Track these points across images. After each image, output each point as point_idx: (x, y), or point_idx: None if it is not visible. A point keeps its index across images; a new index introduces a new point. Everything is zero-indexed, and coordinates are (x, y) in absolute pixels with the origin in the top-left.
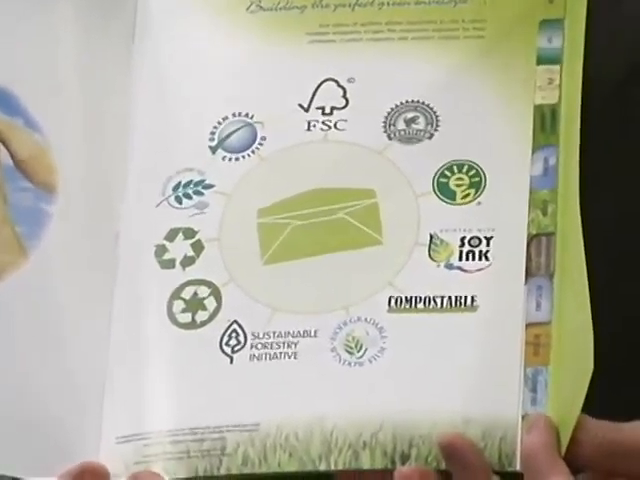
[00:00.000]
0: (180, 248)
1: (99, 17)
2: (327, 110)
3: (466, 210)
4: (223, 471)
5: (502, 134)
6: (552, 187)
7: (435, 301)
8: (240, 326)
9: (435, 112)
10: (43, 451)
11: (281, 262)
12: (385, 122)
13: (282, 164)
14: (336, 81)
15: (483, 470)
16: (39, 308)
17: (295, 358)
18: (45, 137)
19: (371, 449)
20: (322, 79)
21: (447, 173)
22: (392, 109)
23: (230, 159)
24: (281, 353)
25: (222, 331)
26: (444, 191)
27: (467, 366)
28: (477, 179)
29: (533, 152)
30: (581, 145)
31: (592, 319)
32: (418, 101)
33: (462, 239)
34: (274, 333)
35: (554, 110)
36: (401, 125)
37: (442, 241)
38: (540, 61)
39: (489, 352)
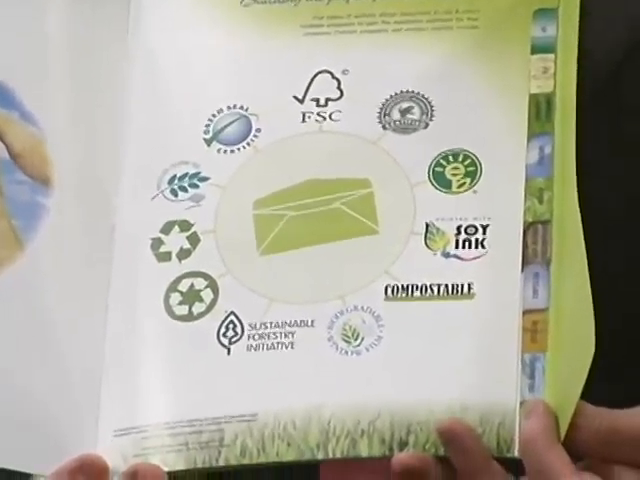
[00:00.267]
0: (176, 241)
1: (92, 10)
2: (322, 102)
3: (462, 199)
4: (222, 462)
5: (497, 123)
6: (548, 175)
7: (432, 289)
8: (237, 317)
9: (430, 102)
10: (40, 445)
11: (277, 253)
12: (380, 112)
13: (277, 155)
14: (331, 73)
15: (482, 455)
16: (35, 301)
17: (292, 348)
18: (41, 130)
19: (369, 437)
20: (316, 71)
21: (443, 162)
22: (387, 100)
23: (225, 151)
24: (278, 343)
25: (219, 322)
26: (440, 180)
27: (464, 353)
28: (473, 168)
29: (528, 141)
30: (577, 133)
31: (594, 308)
32: (413, 91)
33: (458, 228)
34: (271, 323)
35: (549, 99)
36: (396, 115)
37: (438, 230)
38: (534, 50)
39: (486, 339)
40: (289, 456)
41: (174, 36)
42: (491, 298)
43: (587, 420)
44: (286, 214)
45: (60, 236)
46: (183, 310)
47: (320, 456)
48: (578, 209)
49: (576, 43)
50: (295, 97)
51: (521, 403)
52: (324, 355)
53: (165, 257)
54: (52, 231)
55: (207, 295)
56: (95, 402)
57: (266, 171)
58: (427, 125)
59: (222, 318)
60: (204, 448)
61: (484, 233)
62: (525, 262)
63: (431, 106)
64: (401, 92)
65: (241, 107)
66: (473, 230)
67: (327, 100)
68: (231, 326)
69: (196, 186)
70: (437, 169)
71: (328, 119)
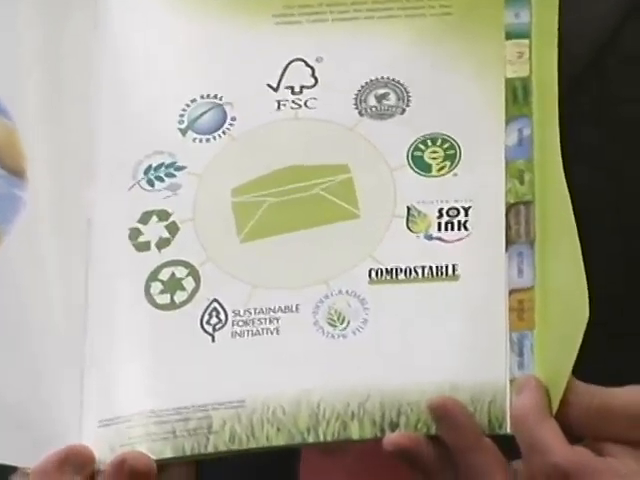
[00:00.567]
0: (154, 230)
1: (60, 5)
2: (296, 89)
3: (442, 182)
4: (211, 449)
5: (474, 107)
6: (528, 157)
7: (416, 271)
8: (220, 304)
9: (406, 88)
10: (24, 438)
11: (258, 239)
12: (356, 99)
13: (254, 143)
14: (304, 61)
15: (474, 431)
16: (11, 294)
17: (277, 334)
18: (13, 123)
19: (359, 419)
20: (290, 59)
21: (421, 146)
22: (362, 86)
23: (201, 140)
24: (263, 329)
25: (202, 310)
26: (419, 164)
27: (452, 333)
28: (452, 151)
29: (507, 124)
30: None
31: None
32: (388, 77)
33: (440, 210)
34: (255, 310)
35: (525, 83)
36: (372, 101)
37: (420, 212)
38: (509, 36)
39: (473, 319)
40: (279, 440)
41: (144, 28)
42: (476, 279)
43: (578, 397)
44: (265, 201)
45: (36, 229)
46: (165, 299)
47: (311, 439)
48: (565, 189)
49: (553, 28)
50: (269, 85)
51: (511, 381)
52: (310, 339)
53: (144, 247)
54: (28, 224)
55: (189, 283)
56: (78, 394)
57: (243, 159)
58: (404, 111)
59: (205, 306)
60: (192, 435)
61: (466, 215)
62: (509, 242)
63: (407, 92)
64: (376, 79)
65: (215, 96)
66: (455, 212)
67: (302, 88)
68: (214, 313)
69: (172, 175)
70: (416, 153)
71: (304, 106)
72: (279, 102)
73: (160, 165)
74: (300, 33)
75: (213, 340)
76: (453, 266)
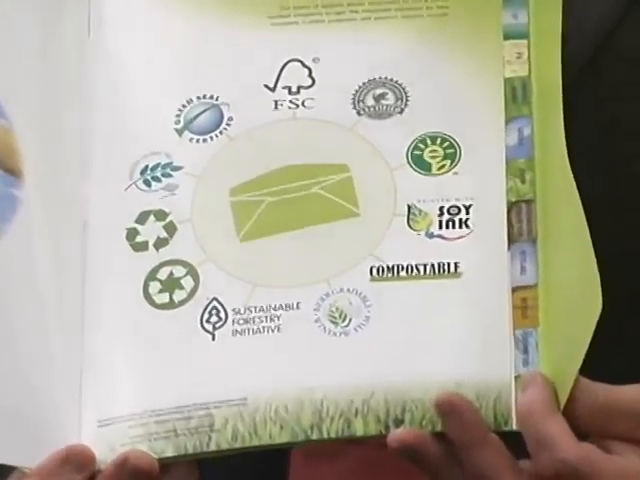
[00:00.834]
0: (152, 230)
1: (54, 5)
2: (294, 89)
3: (443, 180)
4: (213, 447)
5: (473, 106)
6: (529, 156)
7: (418, 269)
8: (220, 303)
9: (404, 88)
10: (23, 438)
11: (258, 238)
12: (354, 99)
13: (252, 143)
14: (301, 61)
15: (480, 427)
16: (8, 293)
17: (279, 331)
18: (9, 123)
19: (363, 416)
20: (286, 59)
21: (421, 146)
22: (360, 86)
23: (198, 140)
24: (264, 327)
25: (202, 309)
26: (419, 163)
27: (455, 330)
28: (452, 150)
29: (507, 123)
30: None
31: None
32: (386, 77)
33: (441, 208)
34: (255, 308)
35: (525, 82)
36: (370, 101)
37: (420, 211)
38: (507, 36)
39: (477, 316)
40: (282, 438)
41: (139, 29)
42: (478, 276)
43: (583, 394)
44: (265, 200)
45: (32, 228)
46: (164, 298)
47: (314, 437)
48: (571, 186)
49: (555, 28)
50: (266, 86)
51: (516, 377)
52: (312, 337)
53: (142, 247)
54: (24, 223)
55: (187, 282)
56: (76, 394)
57: (241, 159)
58: (402, 110)
59: (205, 304)
60: (194, 434)
61: (467, 213)
62: (511, 240)
63: (405, 92)
64: (374, 79)
65: (211, 97)
66: (456, 210)
67: (299, 88)
68: (214, 312)
69: (169, 175)
70: (415, 152)
71: (301, 106)
72: (276, 102)
73: (157, 165)
74: (296, 34)
75: (213, 339)
76: (455, 264)
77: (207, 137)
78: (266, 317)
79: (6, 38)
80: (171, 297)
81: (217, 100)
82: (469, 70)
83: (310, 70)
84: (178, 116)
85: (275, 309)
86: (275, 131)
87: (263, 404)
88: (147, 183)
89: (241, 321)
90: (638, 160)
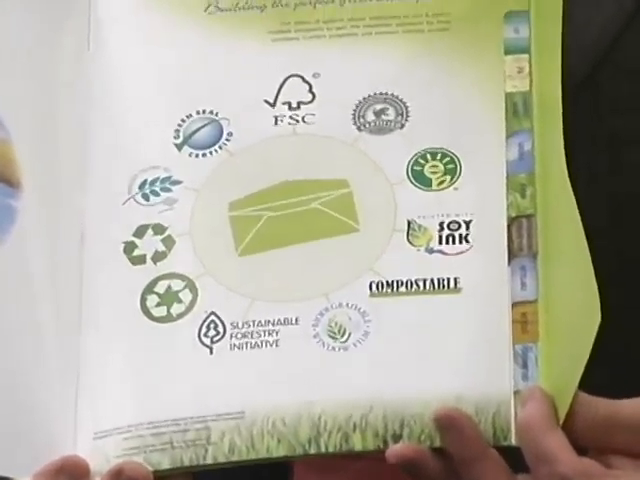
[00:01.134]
0: (150, 244)
1: (54, 18)
2: (294, 105)
3: (443, 196)
4: (209, 460)
5: (474, 121)
6: (529, 171)
7: (417, 284)
8: (218, 317)
9: (405, 103)
10: (18, 450)
11: (257, 253)
12: (354, 114)
13: (252, 158)
14: (301, 77)
15: (479, 442)
16: (4, 305)
17: (277, 346)
18: (8, 134)
19: (362, 431)
20: (287, 75)
21: (421, 161)
22: (360, 102)
23: (197, 155)
24: (262, 342)
25: (200, 322)
26: (419, 178)
27: (454, 345)
28: (452, 166)
29: (507, 138)
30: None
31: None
32: (387, 93)
33: (440, 224)
34: (254, 322)
35: (525, 97)
36: (370, 117)
37: (420, 226)
38: (508, 51)
39: (477, 331)
40: (280, 452)
41: (138, 45)
42: (478, 291)
43: (583, 408)
44: (264, 215)
45: (29, 239)
46: (161, 312)
47: (312, 451)
48: (571, 202)
49: (556, 42)
50: (266, 101)
51: (515, 392)
52: (310, 352)
53: (139, 260)
54: (21, 234)
55: (186, 296)
56: (72, 407)
57: (241, 173)
58: (403, 126)
59: (203, 318)
60: (190, 446)
61: (467, 229)
62: (511, 255)
63: (406, 107)
64: (375, 94)
65: (211, 112)
66: (456, 226)
67: (299, 103)
68: (212, 325)
69: (168, 190)
70: (415, 168)
71: (301, 122)
72: (276, 117)
73: (155, 180)
74: (297, 49)
75: (211, 352)
76: (455, 279)
77: (207, 152)
78: (264, 331)
79: (4, 51)
80: (169, 310)
81: (217, 115)
82: (470, 85)
83: (310, 85)
84: (177, 131)
85: (273, 324)
86: (275, 146)
87: (261, 418)
88: (145, 197)
89: (239, 335)
90: (637, 172)
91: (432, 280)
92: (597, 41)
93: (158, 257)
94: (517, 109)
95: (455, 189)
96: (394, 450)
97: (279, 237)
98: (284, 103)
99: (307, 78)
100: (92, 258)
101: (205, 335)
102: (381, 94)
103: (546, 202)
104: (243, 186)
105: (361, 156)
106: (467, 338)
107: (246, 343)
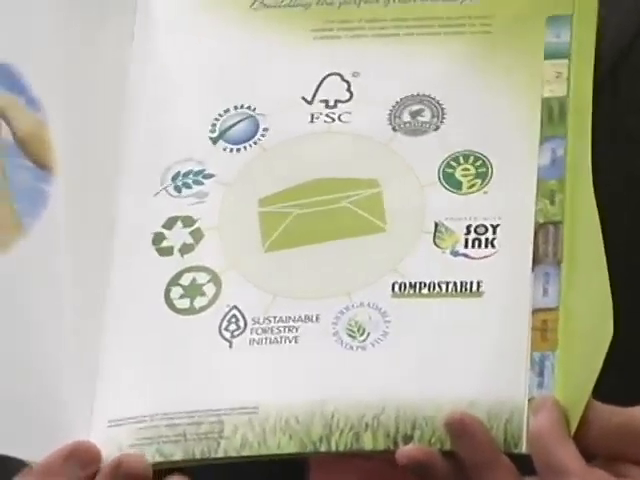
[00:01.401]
0: (179, 236)
1: (100, 12)
2: (331, 103)
3: (472, 199)
4: (221, 453)
5: (509, 126)
6: (560, 177)
7: (440, 286)
8: (240, 311)
9: (441, 105)
10: (34, 433)
11: (283, 249)
12: (390, 114)
13: (285, 155)
14: (340, 75)
15: (491, 448)
16: (30, 289)
17: (296, 342)
18: (45, 117)
19: (373, 431)
20: (326, 73)
21: (453, 164)
22: (397, 102)
23: (231, 150)
24: (282, 337)
25: (221, 316)
26: (450, 181)
27: (472, 350)
28: (483, 169)
29: (541, 143)
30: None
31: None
32: (424, 94)
33: (468, 227)
34: (275, 318)
35: (562, 103)
36: (406, 117)
37: (447, 229)
38: (548, 56)
39: (495, 336)
40: (291, 448)
41: (182, 39)
42: (500, 296)
43: (596, 416)
44: (292, 212)
45: (59, 225)
46: (184, 304)
47: (323, 449)
48: (595, 211)
49: (593, 49)
50: (303, 98)
51: (529, 400)
52: (329, 350)
53: (167, 251)
54: (52, 218)
55: (209, 289)
56: (90, 394)
57: (273, 169)
58: (437, 127)
59: (225, 312)
60: (203, 439)
61: (494, 233)
62: (536, 262)
63: (442, 109)
64: (412, 95)
65: (248, 107)
66: (483, 230)
67: (336, 102)
68: (233, 320)
69: (200, 183)
70: (447, 170)
71: (337, 120)
72: (312, 115)
73: (188, 172)
74: (338, 48)
75: (230, 346)
76: (478, 283)
77: (241, 147)
78: (284, 328)
79: (47, 34)
80: (192, 303)
81: (254, 111)
82: (508, 89)
83: (349, 84)
84: (214, 125)
85: (294, 320)
86: (309, 144)
87: (274, 414)
88: (177, 189)
89: (259, 330)
90: None
91: (455, 283)
92: (615, 42)
93: (185, 249)
94: (552, 114)
95: (485, 193)
96: (404, 451)
97: (306, 234)
98: (321, 101)
99: (346, 77)
100: (121, 246)
101: (226, 329)
102: (418, 95)
103: (573, 209)
104: (274, 182)
105: (394, 156)
106: (485, 343)
107: (265, 338)
